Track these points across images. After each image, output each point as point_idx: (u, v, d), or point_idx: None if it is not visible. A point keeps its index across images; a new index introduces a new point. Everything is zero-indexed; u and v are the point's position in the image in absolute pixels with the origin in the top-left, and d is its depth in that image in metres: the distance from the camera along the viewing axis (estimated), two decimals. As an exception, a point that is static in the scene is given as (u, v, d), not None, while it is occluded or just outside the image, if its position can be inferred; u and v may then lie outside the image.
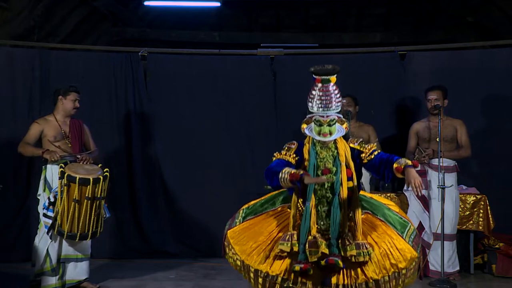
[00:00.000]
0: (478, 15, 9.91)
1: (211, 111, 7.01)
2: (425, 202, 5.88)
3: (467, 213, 6.04)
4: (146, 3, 9.99)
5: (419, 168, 5.85)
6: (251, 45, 8.82)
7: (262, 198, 4.11)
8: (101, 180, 5.04)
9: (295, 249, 3.70)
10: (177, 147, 6.99)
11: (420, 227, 5.78)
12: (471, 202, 6.05)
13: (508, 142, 6.59)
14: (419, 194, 3.73)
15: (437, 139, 5.71)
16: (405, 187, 5.97)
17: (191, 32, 11.26)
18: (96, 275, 5.64)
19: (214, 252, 6.78)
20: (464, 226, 6.04)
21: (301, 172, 3.63)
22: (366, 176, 6.09)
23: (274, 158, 3.90)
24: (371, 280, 3.67)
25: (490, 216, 6.00)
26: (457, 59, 6.87)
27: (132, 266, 6.37)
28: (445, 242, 5.61)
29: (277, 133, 6.90)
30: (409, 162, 3.74)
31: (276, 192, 4.07)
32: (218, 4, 9.91)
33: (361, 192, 4.03)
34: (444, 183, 5.55)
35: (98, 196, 5.05)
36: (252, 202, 4.11)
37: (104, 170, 5.15)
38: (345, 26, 11.62)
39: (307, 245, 3.68)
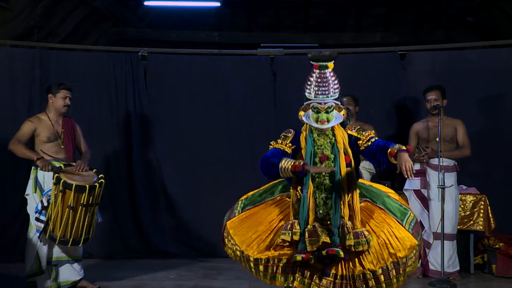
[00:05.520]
0: (478, 15, 9.90)
1: (211, 111, 7.01)
2: (425, 201, 5.89)
3: (467, 213, 6.05)
4: (146, 3, 9.98)
5: (418, 168, 5.92)
6: (251, 45, 8.81)
7: (261, 188, 4.11)
8: (97, 187, 4.99)
9: (296, 238, 3.70)
10: (177, 147, 6.99)
11: (420, 227, 5.77)
12: (471, 202, 6.06)
13: (508, 142, 6.60)
14: (410, 177, 3.66)
15: (437, 139, 5.72)
16: (406, 186, 5.98)
17: (191, 32, 11.25)
18: (96, 275, 5.64)
19: (214, 252, 6.79)
20: (464, 226, 6.04)
21: (302, 162, 3.64)
22: (366, 176, 6.09)
23: (270, 147, 3.90)
24: (368, 272, 3.66)
25: (490, 216, 6.00)
26: (457, 59, 6.87)
27: (132, 266, 6.37)
28: (445, 242, 5.61)
29: (277, 133, 6.85)
30: (403, 147, 3.69)
31: (274, 181, 4.07)
32: (218, 4, 9.90)
33: (360, 180, 4.01)
34: (444, 183, 5.55)
35: (93, 202, 5.00)
36: (251, 193, 4.11)
37: (99, 176, 5.10)
38: (345, 26, 11.61)
39: (306, 234, 3.68)
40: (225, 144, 7.01)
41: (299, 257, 3.65)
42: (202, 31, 11.32)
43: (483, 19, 9.86)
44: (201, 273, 6.12)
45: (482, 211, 6.01)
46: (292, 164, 3.62)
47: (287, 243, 3.74)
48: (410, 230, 3.79)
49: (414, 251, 3.78)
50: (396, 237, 3.74)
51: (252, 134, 6.98)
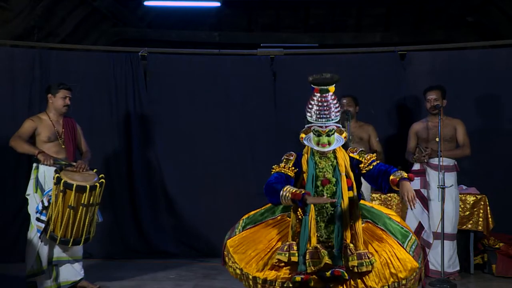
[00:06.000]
0: (478, 15, 9.91)
1: (211, 111, 7.01)
2: (425, 201, 5.89)
3: (467, 213, 6.05)
4: (146, 3, 9.98)
5: (418, 168, 5.93)
6: (251, 45, 8.82)
7: (262, 208, 4.08)
8: (98, 187, 4.99)
9: (293, 259, 3.67)
10: (177, 147, 6.99)
11: (420, 227, 5.78)
12: (471, 202, 6.06)
13: (508, 142, 6.60)
14: (412, 208, 3.62)
15: (437, 139, 5.72)
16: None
17: (191, 32, 11.26)
18: (96, 275, 5.64)
19: (214, 252, 6.78)
20: (464, 226, 6.04)
21: (303, 191, 3.58)
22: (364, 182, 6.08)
23: (272, 171, 3.84)
24: None
25: (489, 216, 6.00)
26: (457, 59, 6.87)
27: (132, 266, 6.37)
28: (445, 241, 5.62)
29: (277, 133, 6.90)
30: (405, 175, 3.65)
31: None
32: (218, 4, 9.91)
33: (362, 202, 4.00)
34: (444, 183, 5.55)
35: (93, 202, 5.00)
36: (252, 212, 4.09)
37: (100, 176, 5.10)
38: (345, 26, 11.61)
39: (307, 256, 3.65)
40: (225, 144, 7.01)
41: (298, 278, 3.62)
42: (202, 31, 11.32)
43: (483, 19, 9.86)
44: (201, 273, 6.12)
45: (482, 211, 6.01)
46: (292, 192, 3.59)
47: (283, 264, 3.71)
48: (411, 252, 3.77)
49: (414, 274, 3.75)
50: (397, 258, 3.72)
51: (252, 134, 6.99)
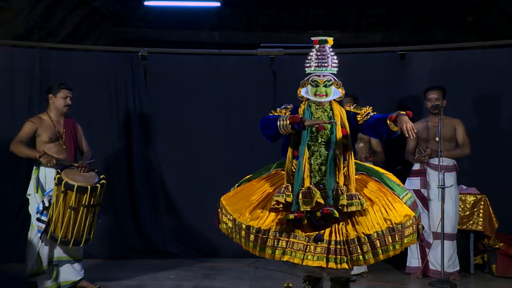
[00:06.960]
0: (478, 15, 9.90)
1: (211, 111, 7.01)
2: (425, 201, 5.89)
3: (467, 213, 6.05)
4: (146, 3, 9.99)
5: (418, 168, 5.93)
6: (251, 45, 8.81)
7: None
8: (99, 188, 5.00)
9: (288, 200, 3.75)
10: (177, 147, 6.99)
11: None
12: (471, 202, 6.07)
13: (509, 142, 6.60)
14: (412, 137, 3.68)
15: (436, 139, 5.73)
16: (405, 185, 5.96)
17: (191, 32, 11.25)
18: (96, 275, 5.65)
19: (214, 252, 6.80)
20: (464, 226, 6.05)
21: (301, 115, 3.77)
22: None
23: (270, 115, 4.04)
24: (363, 235, 3.66)
25: (493, 216, 6.00)
26: (457, 59, 6.87)
27: (132, 266, 6.37)
28: (445, 241, 5.62)
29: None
30: (403, 112, 3.74)
31: (271, 163, 4.17)
32: (218, 4, 9.91)
33: (358, 161, 4.09)
34: (444, 183, 5.55)
35: (94, 203, 5.01)
36: (248, 176, 4.21)
37: (101, 177, 5.11)
38: (345, 26, 11.61)
39: (300, 195, 3.72)
40: (225, 144, 7.01)
41: (291, 216, 3.67)
42: (202, 31, 11.31)
43: (483, 19, 9.86)
44: (201, 273, 6.12)
45: (482, 211, 6.02)
46: (290, 116, 3.82)
47: (280, 206, 3.76)
48: (407, 204, 3.83)
49: (411, 221, 3.78)
50: (392, 205, 3.77)
51: (252, 134, 6.96)
